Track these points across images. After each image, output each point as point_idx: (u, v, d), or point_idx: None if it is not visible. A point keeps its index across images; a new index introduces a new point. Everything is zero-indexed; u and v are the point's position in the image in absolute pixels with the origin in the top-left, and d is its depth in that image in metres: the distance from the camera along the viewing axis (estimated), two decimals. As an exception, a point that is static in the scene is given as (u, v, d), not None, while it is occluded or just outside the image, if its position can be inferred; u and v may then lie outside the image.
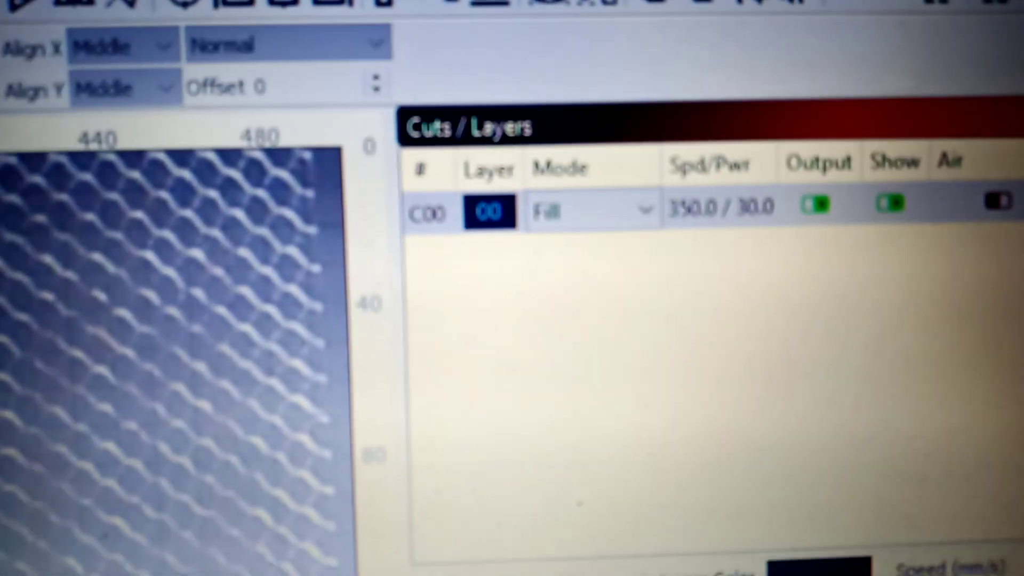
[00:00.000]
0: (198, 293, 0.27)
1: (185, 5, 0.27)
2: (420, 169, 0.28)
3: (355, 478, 0.28)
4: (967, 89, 0.28)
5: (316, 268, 0.28)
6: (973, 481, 0.29)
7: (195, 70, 0.27)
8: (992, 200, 0.29)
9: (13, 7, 0.27)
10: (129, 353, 0.27)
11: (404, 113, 0.27)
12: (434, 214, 0.28)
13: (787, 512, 0.29)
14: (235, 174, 0.27)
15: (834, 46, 0.28)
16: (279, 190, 0.27)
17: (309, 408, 0.28)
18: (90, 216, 0.27)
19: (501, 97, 0.28)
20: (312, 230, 0.28)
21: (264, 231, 0.27)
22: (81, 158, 0.27)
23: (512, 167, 0.28)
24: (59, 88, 0.27)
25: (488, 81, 0.27)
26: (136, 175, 0.27)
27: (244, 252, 0.27)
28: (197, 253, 0.27)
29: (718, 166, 0.28)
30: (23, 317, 0.27)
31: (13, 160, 0.27)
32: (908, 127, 0.28)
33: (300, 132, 0.27)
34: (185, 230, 0.27)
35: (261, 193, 0.27)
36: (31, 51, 0.27)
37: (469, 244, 0.28)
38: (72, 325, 0.27)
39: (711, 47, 0.28)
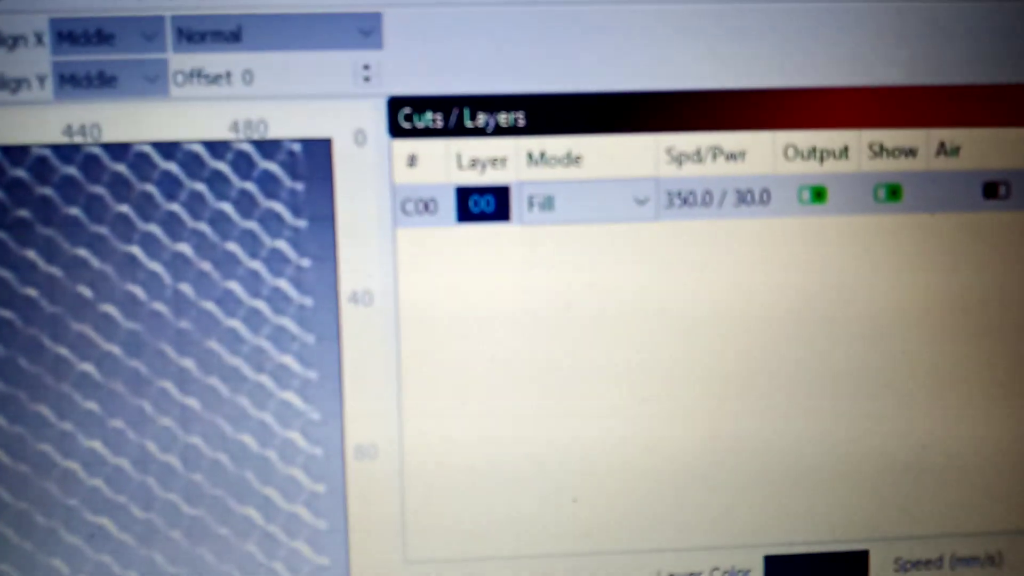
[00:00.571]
0: (185, 288, 0.27)
1: (170, -6, 0.27)
2: (412, 161, 0.27)
3: (347, 476, 0.28)
4: (965, 78, 0.28)
5: (306, 262, 0.27)
6: (970, 474, 0.29)
7: (181, 61, 0.27)
8: (990, 190, 0.28)
9: (-6, -4, 0.26)
10: (115, 350, 0.27)
11: (395, 104, 0.27)
12: (426, 207, 0.27)
13: (783, 506, 0.29)
14: (223, 167, 0.27)
15: (831, 35, 0.28)
16: (268, 183, 0.27)
17: (300, 405, 0.28)
18: (75, 210, 0.27)
19: (494, 87, 0.27)
20: (302, 223, 0.27)
21: (253, 225, 0.27)
22: (65, 151, 0.27)
23: (505, 158, 0.28)
24: (42, 80, 0.26)
25: (481, 71, 0.27)
26: (122, 168, 0.27)
27: (232, 246, 0.27)
28: (184, 248, 0.27)
29: (714, 157, 0.28)
30: (6, 314, 0.27)
31: (-5, 153, 0.27)
32: (906, 117, 0.28)
33: (289, 124, 0.27)
34: (172, 224, 0.27)
35: (249, 186, 0.27)
36: (13, 42, 0.26)
37: (462, 237, 0.28)
38: (57, 322, 0.27)
39: (707, 36, 0.27)
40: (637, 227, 0.28)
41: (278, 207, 0.27)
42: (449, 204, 0.28)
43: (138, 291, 0.27)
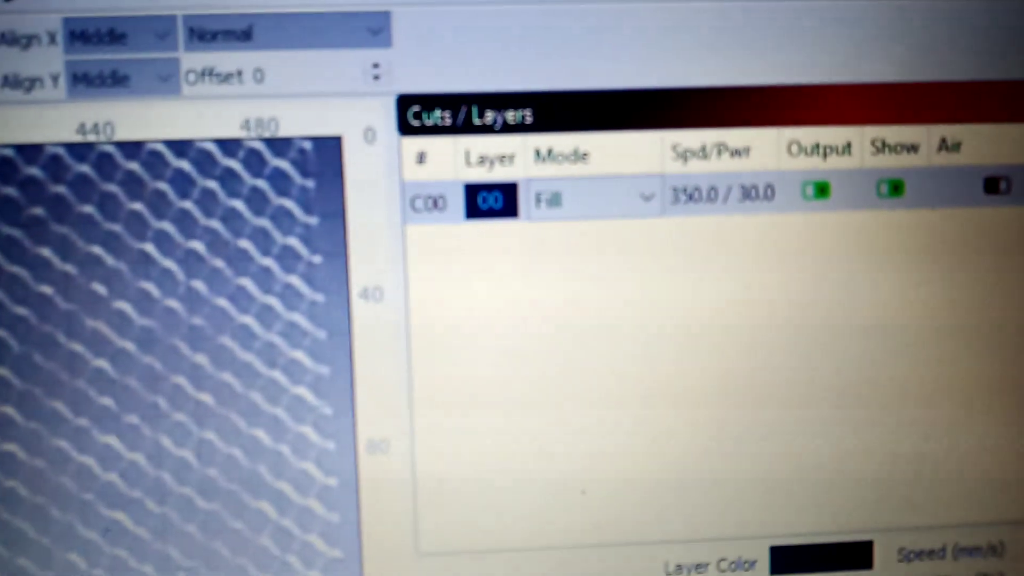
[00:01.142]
0: (198, 285, 0.27)
1: (182, -6, 0.27)
2: (421, 158, 0.28)
3: (359, 469, 0.28)
4: (966, 74, 0.28)
5: (317, 259, 0.27)
6: (972, 465, 0.29)
7: (193, 59, 0.27)
8: (991, 185, 0.29)
9: (7, -3, 0.26)
10: (129, 346, 0.27)
11: (404, 102, 0.27)
12: (435, 203, 0.28)
13: (789, 499, 0.29)
14: (235, 164, 0.27)
15: (834, 33, 0.28)
16: (279, 180, 0.27)
17: (312, 400, 0.28)
18: (88, 208, 0.27)
19: (502, 85, 0.27)
20: (313, 220, 0.27)
21: (264, 222, 0.27)
22: (78, 149, 0.27)
23: (513, 155, 0.28)
24: (55, 79, 0.27)
25: (489, 69, 0.27)
26: (134, 166, 0.27)
27: (244, 243, 0.27)
28: (197, 245, 0.27)
29: (719, 153, 0.28)
30: (22, 311, 0.27)
31: (9, 152, 0.27)
32: (907, 113, 0.28)
33: (300, 122, 0.27)
34: (185, 222, 0.27)
35: (261, 183, 0.27)
36: (27, 41, 0.26)
37: (471, 233, 0.28)
38: (72, 318, 0.27)
39: (712, 33, 0.28)
40: (643, 223, 0.28)
41: (289, 204, 0.27)
42: (458, 201, 0.28)
43: (152, 288, 0.27)
